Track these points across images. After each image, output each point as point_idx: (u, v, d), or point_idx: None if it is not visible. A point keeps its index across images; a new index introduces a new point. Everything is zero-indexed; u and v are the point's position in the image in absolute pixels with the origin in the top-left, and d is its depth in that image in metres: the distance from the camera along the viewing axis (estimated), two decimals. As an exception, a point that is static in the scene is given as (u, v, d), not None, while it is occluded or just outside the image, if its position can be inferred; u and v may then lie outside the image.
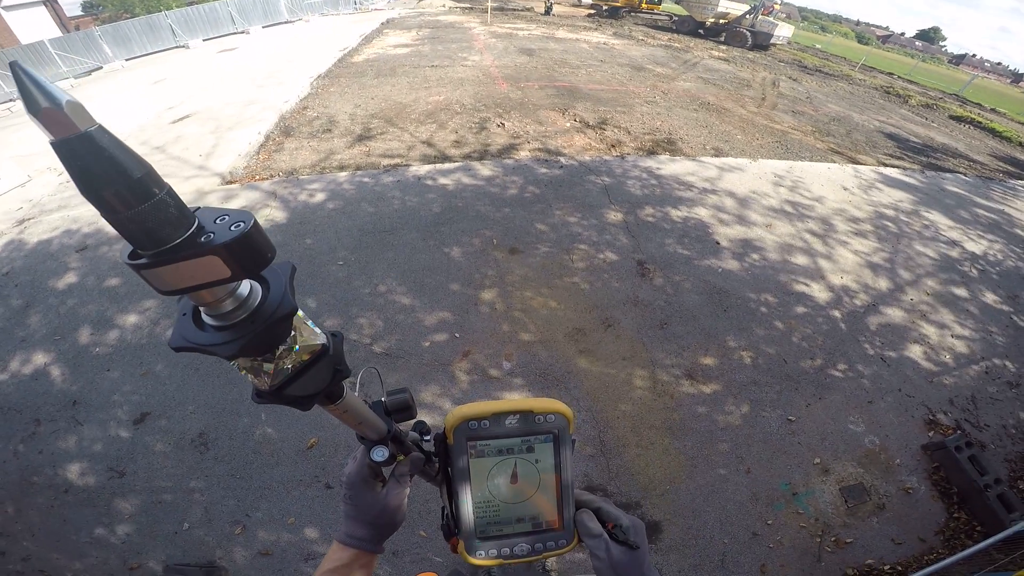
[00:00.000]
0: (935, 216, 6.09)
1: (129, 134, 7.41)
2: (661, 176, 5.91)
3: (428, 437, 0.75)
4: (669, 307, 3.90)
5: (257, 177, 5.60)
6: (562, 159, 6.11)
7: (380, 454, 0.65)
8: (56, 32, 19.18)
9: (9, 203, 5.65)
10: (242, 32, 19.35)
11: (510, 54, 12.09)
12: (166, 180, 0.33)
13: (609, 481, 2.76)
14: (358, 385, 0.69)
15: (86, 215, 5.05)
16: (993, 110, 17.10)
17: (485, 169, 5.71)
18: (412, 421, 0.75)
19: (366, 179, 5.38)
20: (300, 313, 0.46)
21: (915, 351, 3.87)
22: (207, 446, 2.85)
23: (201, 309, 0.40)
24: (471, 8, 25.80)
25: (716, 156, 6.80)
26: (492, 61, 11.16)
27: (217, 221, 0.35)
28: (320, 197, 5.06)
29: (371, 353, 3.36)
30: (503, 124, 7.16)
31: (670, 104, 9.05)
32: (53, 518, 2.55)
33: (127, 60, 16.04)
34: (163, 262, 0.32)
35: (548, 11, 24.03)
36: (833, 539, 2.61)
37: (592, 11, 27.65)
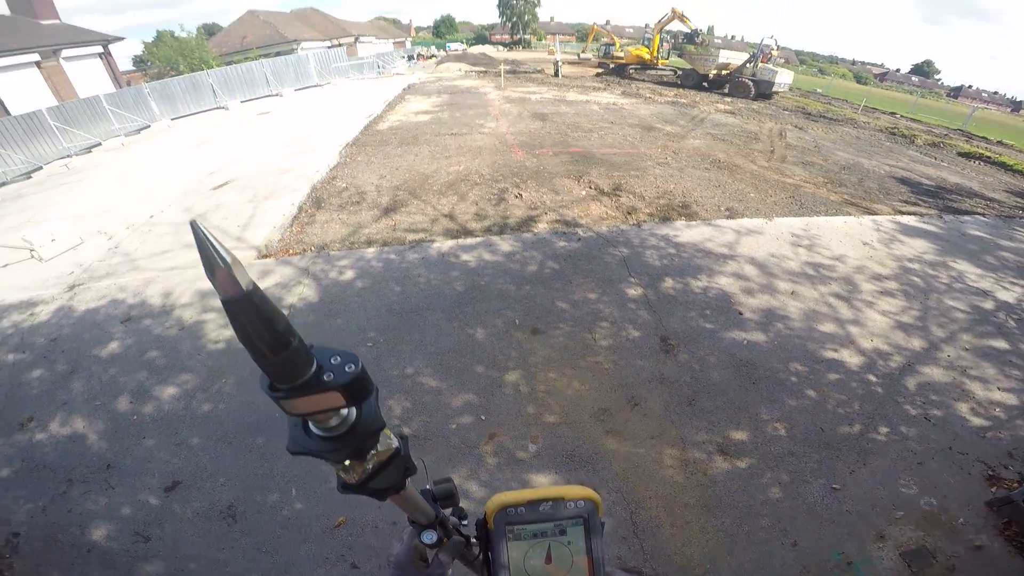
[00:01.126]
0: (962, 265, 5.99)
1: (174, 200, 7.98)
2: (679, 244, 6.00)
3: (465, 521, 0.83)
4: (696, 383, 3.88)
5: (290, 251, 5.91)
6: (579, 231, 6.27)
7: (430, 537, 0.74)
8: (110, 84, 20.03)
9: (62, 266, 6.03)
10: (276, 95, 20.68)
11: (524, 120, 12.70)
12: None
13: (644, 563, 2.68)
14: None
15: (132, 284, 5.40)
16: (1000, 142, 17.02)
17: (505, 244, 5.90)
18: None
19: (392, 256, 5.63)
20: None
21: (961, 408, 3.74)
22: (235, 518, 2.89)
23: (310, 422, 0.50)
24: (485, 72, 27.44)
25: (731, 218, 6.89)
26: (507, 128, 11.75)
27: (332, 361, 0.44)
28: (350, 275, 5.29)
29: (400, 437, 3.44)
30: (520, 195, 7.46)
31: (682, 164, 9.31)
32: None
33: (172, 119, 16.97)
34: (296, 395, 0.42)
35: (557, 73, 25.38)
36: None
37: (600, 70, 29.11)
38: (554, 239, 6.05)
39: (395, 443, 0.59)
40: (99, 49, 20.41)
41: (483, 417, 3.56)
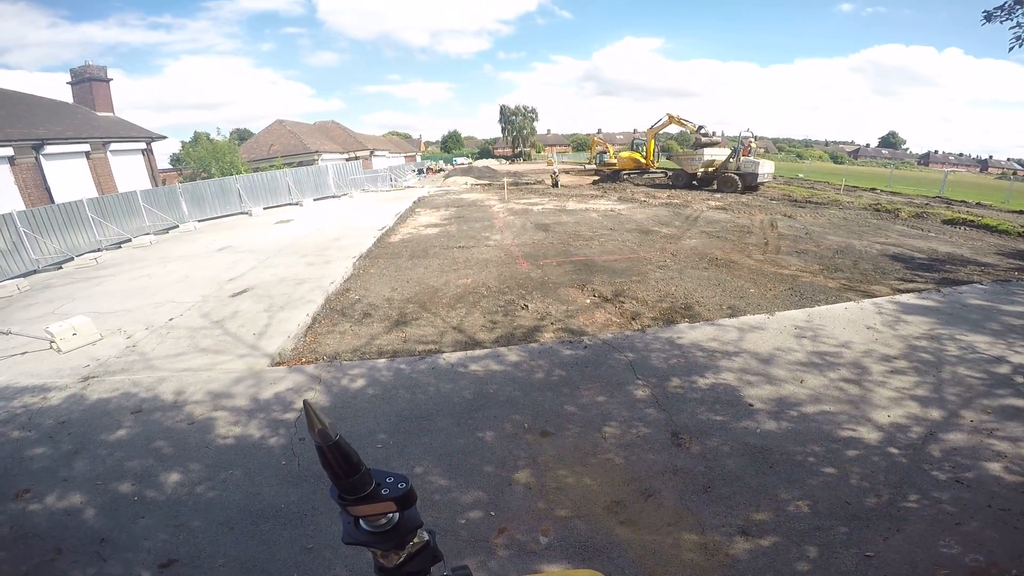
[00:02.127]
0: (969, 336, 5.99)
1: (194, 305, 8.32)
2: (683, 345, 6.14)
3: None
4: (710, 472, 3.80)
5: (303, 360, 6.11)
6: (585, 339, 6.46)
7: None
8: (147, 180, 20.65)
9: (78, 359, 6.22)
10: (296, 204, 21.94)
11: (527, 231, 13.60)
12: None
13: None
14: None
15: (146, 381, 5.54)
16: (979, 204, 17.62)
17: (513, 354, 6.08)
18: None
19: (403, 366, 5.85)
20: None
21: (994, 467, 3.62)
22: None
23: (361, 520, 0.63)
24: (489, 184, 29.88)
25: (733, 316, 7.07)
26: (512, 240, 12.58)
27: (388, 480, 0.62)
28: (360, 383, 5.46)
29: (412, 531, 3.38)
30: (527, 306, 7.80)
31: (681, 266, 9.76)
32: None
33: (200, 221, 17.82)
34: (360, 503, 0.59)
35: (556, 184, 27.44)
36: None
37: (596, 177, 31.47)
38: (560, 347, 6.23)
39: (426, 536, 0.75)
40: (143, 145, 21.42)
41: (492, 513, 3.51)
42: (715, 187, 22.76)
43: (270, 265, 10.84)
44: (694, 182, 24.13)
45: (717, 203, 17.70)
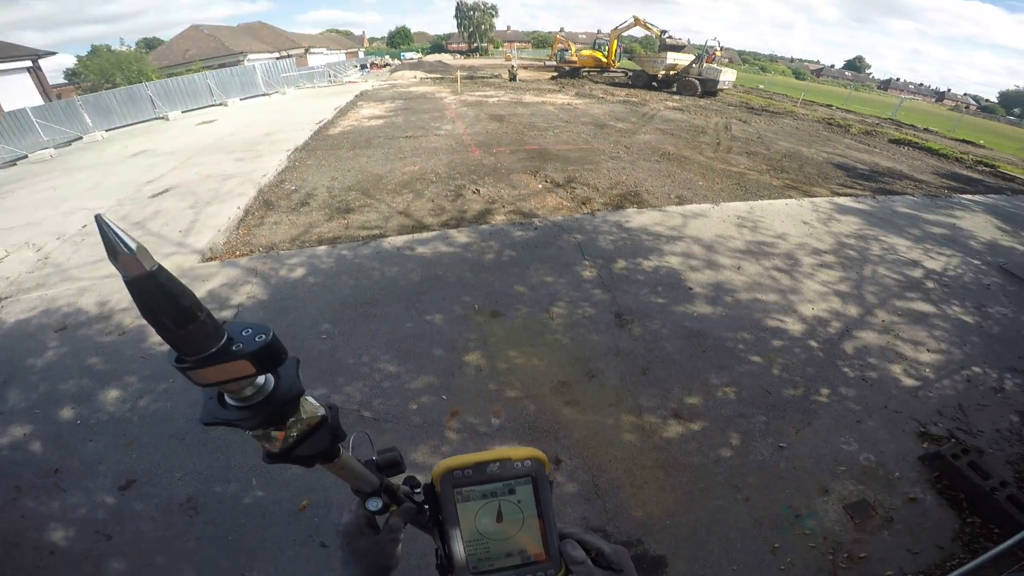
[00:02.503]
0: (892, 239, 6.44)
1: (109, 209, 7.47)
2: (630, 229, 6.18)
3: (418, 490, 0.82)
4: (650, 354, 3.99)
5: (237, 253, 5.67)
6: (536, 220, 6.37)
7: (374, 504, 0.74)
8: (39, 98, 19.15)
9: None
10: (220, 104, 19.89)
11: (481, 121, 12.79)
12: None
13: (607, 522, 2.73)
14: (350, 447, 0.75)
15: (65, 294, 5.04)
16: (926, 129, 18.45)
17: (462, 236, 5.90)
18: (403, 476, 0.83)
19: (345, 252, 5.52)
20: (306, 394, 0.58)
21: (895, 369, 3.99)
22: (196, 510, 2.78)
23: (225, 394, 0.50)
24: (441, 79, 27.41)
25: (680, 204, 7.16)
26: (464, 129, 11.79)
27: (244, 333, 0.45)
28: (300, 272, 5.15)
29: (360, 419, 3.37)
30: (478, 190, 7.50)
31: (633, 158, 9.61)
32: None
33: (108, 130, 16.16)
34: (203, 365, 0.42)
35: (513, 78, 25.73)
36: (846, 555, 2.58)
37: (555, 73, 29.69)
38: (511, 229, 6.11)
39: (321, 411, 0.60)
40: (28, 63, 19.62)
41: (444, 396, 3.55)
42: (675, 89, 22.32)
43: (193, 164, 9.73)
44: (654, 83, 23.58)
45: (675, 104, 17.24)
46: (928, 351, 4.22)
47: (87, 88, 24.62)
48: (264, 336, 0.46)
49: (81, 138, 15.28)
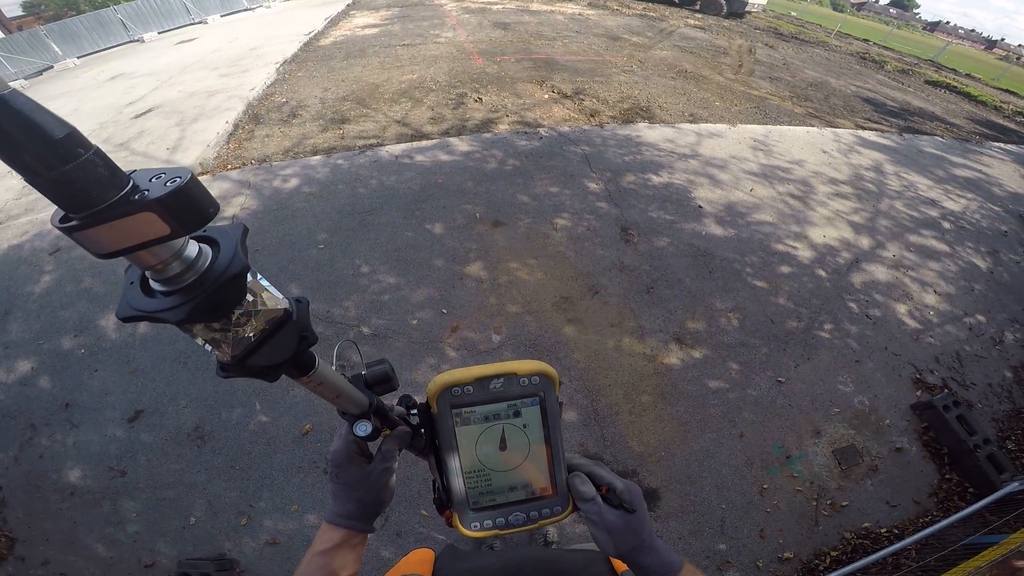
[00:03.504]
0: (913, 176, 6.17)
1: (89, 132, 6.94)
2: (640, 143, 5.86)
3: (415, 411, 0.73)
4: (654, 271, 3.90)
5: (229, 167, 5.41)
6: (541, 130, 6.02)
7: (363, 429, 0.63)
8: None
9: None
10: (199, 22, 18.59)
11: (484, 29, 11.83)
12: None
13: (604, 450, 2.76)
14: (334, 359, 0.67)
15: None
16: (968, 75, 17.27)
17: (464, 144, 5.59)
18: (397, 395, 0.74)
19: (341, 161, 5.24)
20: (261, 280, 0.44)
21: (900, 309, 3.91)
22: (204, 439, 2.80)
23: (148, 275, 0.38)
24: (441, -16, 25.03)
25: (694, 122, 6.75)
26: (466, 37, 10.91)
27: (153, 180, 0.34)
28: (295, 183, 4.92)
29: (359, 335, 3.32)
30: (480, 99, 7.02)
31: (647, 73, 8.95)
32: (63, 521, 2.52)
33: (79, 58, 15.40)
34: (95, 223, 0.31)
35: (521, -15, 23.49)
36: (829, 502, 2.64)
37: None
38: (515, 138, 5.79)
39: (284, 303, 0.45)
40: None
41: (444, 311, 3.48)
42: (697, 7, 20.47)
43: (175, 84, 9.10)
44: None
45: (696, 22, 15.89)
46: (935, 292, 4.14)
47: (49, 18, 23.33)
48: (180, 179, 0.34)
49: (52, 67, 14.56)
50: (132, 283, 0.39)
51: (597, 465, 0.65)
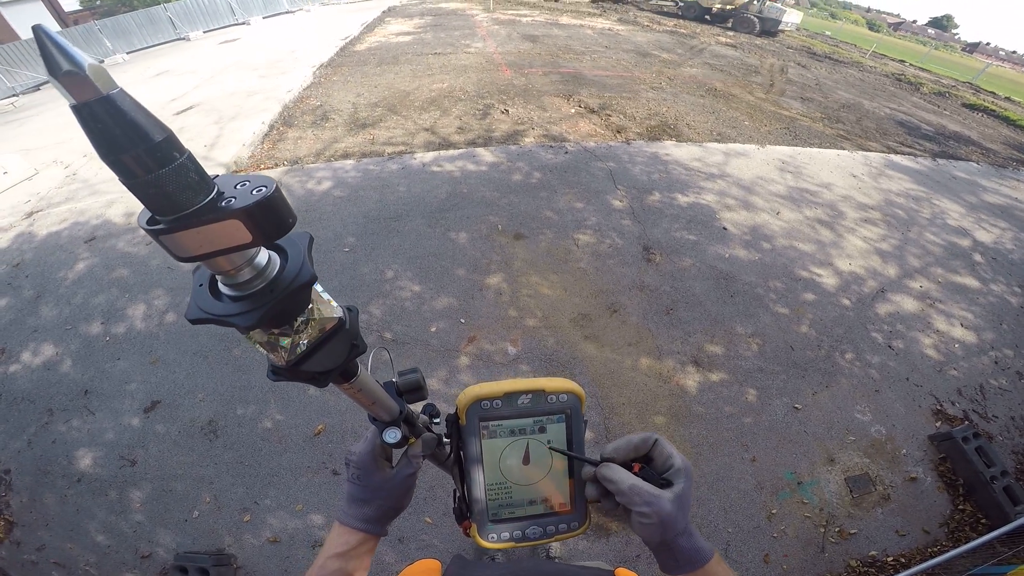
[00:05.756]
0: (945, 203, 6.01)
1: None
2: (667, 162, 5.85)
3: (438, 420, 0.75)
4: (675, 292, 3.88)
5: (262, 166, 5.60)
6: (567, 145, 6.05)
7: (392, 436, 0.65)
8: (56, 26, 19.29)
9: (17, 196, 5.70)
10: (243, 23, 19.30)
11: (513, 41, 11.96)
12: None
13: None
14: (369, 366, 0.68)
15: (93, 207, 5.07)
16: (1008, 98, 16.71)
17: (490, 155, 5.66)
18: (422, 403, 0.75)
19: (371, 166, 5.37)
20: (318, 286, 0.46)
21: (924, 340, 3.81)
22: (216, 434, 2.86)
23: (219, 279, 0.39)
24: (474, -6, 25.42)
25: (722, 142, 6.71)
26: (495, 48, 11.05)
27: (238, 187, 0.34)
28: (326, 185, 5.05)
29: (380, 339, 3.38)
30: (507, 110, 7.10)
31: (676, 90, 8.93)
32: (67, 508, 2.57)
33: (128, 53, 16.14)
34: (182, 227, 0.32)
35: (551, -3, 23.68)
36: (837, 530, 2.59)
37: (597, -3, 27.30)
38: (541, 151, 5.83)
39: (339, 312, 0.47)
40: None
41: (463, 321, 3.51)
42: (730, 25, 20.35)
43: (216, 83, 9.48)
44: (707, 16, 21.42)
45: (728, 40, 15.78)
46: (962, 326, 4.01)
47: (103, 13, 24.44)
48: (265, 188, 0.34)
49: (102, 61, 15.10)
50: (201, 286, 0.40)
51: (651, 433, 0.61)
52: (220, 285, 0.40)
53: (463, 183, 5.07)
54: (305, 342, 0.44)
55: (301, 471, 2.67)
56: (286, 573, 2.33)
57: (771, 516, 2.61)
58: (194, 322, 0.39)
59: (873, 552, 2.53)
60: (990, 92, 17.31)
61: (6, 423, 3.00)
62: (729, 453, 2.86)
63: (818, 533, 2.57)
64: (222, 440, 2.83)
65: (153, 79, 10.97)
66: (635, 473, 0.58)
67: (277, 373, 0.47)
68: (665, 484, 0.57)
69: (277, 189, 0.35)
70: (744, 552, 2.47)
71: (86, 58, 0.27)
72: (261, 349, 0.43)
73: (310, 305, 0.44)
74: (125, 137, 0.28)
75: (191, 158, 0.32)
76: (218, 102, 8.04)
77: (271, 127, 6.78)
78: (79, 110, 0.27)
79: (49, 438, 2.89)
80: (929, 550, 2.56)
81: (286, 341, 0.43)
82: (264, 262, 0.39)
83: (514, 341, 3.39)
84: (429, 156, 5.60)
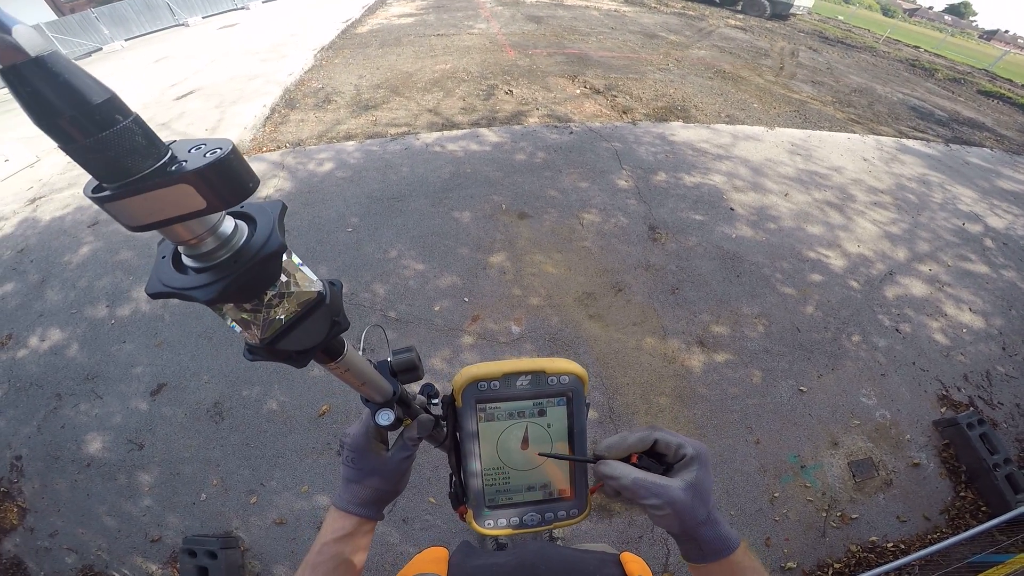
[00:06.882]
0: (957, 189, 5.90)
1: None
2: (674, 142, 5.77)
3: (436, 400, 0.72)
4: (681, 272, 3.84)
5: (264, 149, 5.56)
6: (572, 125, 5.97)
7: (386, 417, 0.62)
8: (51, 15, 19.18)
9: (20, 183, 5.72)
10: (242, 8, 19.05)
11: (517, 21, 11.80)
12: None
13: None
14: (362, 344, 0.66)
15: None
16: None
17: (493, 135, 5.60)
18: (419, 383, 0.72)
19: (373, 147, 5.32)
20: (295, 259, 0.43)
21: (932, 325, 3.77)
22: (222, 416, 2.86)
23: (181, 250, 0.37)
24: (477, -23, 25.01)
25: (731, 124, 6.60)
26: (499, 29, 10.90)
27: (192, 150, 0.32)
28: (328, 166, 5.02)
29: (384, 318, 3.37)
30: (511, 91, 7.00)
31: (684, 72, 8.78)
32: (78, 493, 2.59)
33: (126, 40, 16.06)
34: (129, 194, 0.30)
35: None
36: (839, 514, 2.58)
37: (603, -20, 26.79)
38: (545, 131, 5.75)
39: (317, 286, 0.44)
40: None
41: (467, 299, 3.49)
42: (739, 7, 19.92)
43: (216, 67, 9.41)
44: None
45: (738, 23, 15.48)
46: (971, 311, 3.95)
47: (100, 0, 24.08)
48: (220, 150, 0.31)
49: (100, 49, 15.24)
50: (164, 258, 0.38)
51: (651, 429, 0.56)
52: (183, 257, 0.37)
53: (467, 163, 5.02)
54: (281, 318, 0.41)
55: (306, 452, 2.68)
56: (292, 554, 2.34)
57: (774, 499, 2.60)
58: (154, 296, 0.37)
59: (874, 537, 2.53)
60: (1007, 79, 16.91)
61: (16, 409, 3.02)
62: (733, 435, 2.84)
63: (820, 517, 2.56)
64: (228, 422, 2.83)
65: (152, 65, 10.88)
66: (634, 464, 0.55)
67: (253, 352, 0.44)
68: (669, 470, 0.54)
69: (233, 150, 0.32)
70: (746, 535, 2.47)
71: (15, 21, 0.25)
72: (235, 327, 0.41)
73: (285, 278, 0.41)
74: (59, 100, 0.26)
75: (138, 121, 0.30)
76: (219, 86, 7.98)
77: (273, 110, 6.73)
78: (5, 74, 0.24)
79: (58, 423, 2.90)
80: (929, 537, 2.55)
81: (259, 317, 0.40)
82: (229, 231, 0.37)
83: (518, 320, 3.37)
84: (432, 137, 5.55)
